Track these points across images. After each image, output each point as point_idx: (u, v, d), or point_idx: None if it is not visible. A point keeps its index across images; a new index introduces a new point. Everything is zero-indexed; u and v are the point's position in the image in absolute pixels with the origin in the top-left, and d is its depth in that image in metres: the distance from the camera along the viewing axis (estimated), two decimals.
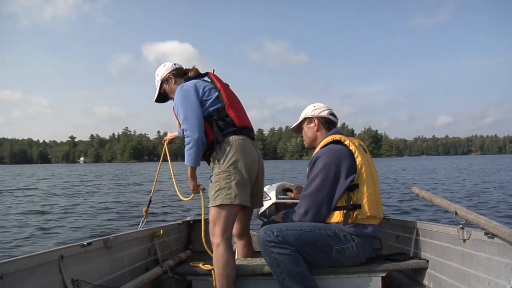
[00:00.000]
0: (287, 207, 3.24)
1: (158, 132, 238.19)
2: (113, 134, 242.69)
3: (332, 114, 2.86)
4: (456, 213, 2.50)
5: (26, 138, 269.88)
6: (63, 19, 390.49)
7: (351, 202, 2.55)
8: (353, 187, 2.55)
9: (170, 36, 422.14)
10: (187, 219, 4.00)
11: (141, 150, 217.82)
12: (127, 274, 2.71)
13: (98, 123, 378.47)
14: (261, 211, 3.41)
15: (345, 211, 2.55)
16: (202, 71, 3.02)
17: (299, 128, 2.97)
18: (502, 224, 2.21)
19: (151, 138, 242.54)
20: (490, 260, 2.25)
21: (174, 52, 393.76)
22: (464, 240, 2.47)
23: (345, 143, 2.63)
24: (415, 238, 2.99)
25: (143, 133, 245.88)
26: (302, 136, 2.96)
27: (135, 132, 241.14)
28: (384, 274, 2.73)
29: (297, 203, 3.25)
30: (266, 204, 3.39)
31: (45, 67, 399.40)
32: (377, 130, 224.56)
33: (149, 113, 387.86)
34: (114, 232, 3.42)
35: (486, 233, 2.27)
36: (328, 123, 2.84)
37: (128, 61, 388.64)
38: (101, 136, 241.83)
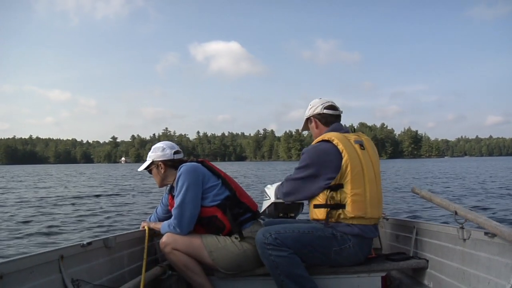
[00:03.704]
0: (286, 206, 3.26)
1: (198, 132, 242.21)
2: (154, 134, 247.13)
3: (328, 107, 2.81)
4: (456, 213, 2.47)
5: (70, 139, 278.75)
6: (114, 15, 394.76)
7: (334, 202, 2.53)
8: (336, 186, 2.53)
9: (217, 35, 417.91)
10: None
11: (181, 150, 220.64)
12: (127, 273, 2.73)
13: (144, 123, 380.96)
14: (261, 211, 3.39)
15: (327, 209, 2.55)
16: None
17: (306, 128, 2.98)
18: (502, 224, 2.19)
19: (190, 138, 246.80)
20: (490, 260, 2.23)
21: (222, 51, 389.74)
22: (464, 240, 2.44)
23: (333, 142, 2.59)
24: (415, 238, 2.96)
25: (183, 134, 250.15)
26: None
27: (174, 132, 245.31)
28: (384, 274, 2.73)
29: (297, 203, 3.27)
30: (266, 204, 3.42)
31: (94, 66, 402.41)
32: (417, 131, 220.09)
33: (194, 113, 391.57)
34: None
35: (486, 233, 2.25)
36: (325, 118, 2.81)
37: (176, 60, 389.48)
38: (142, 137, 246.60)
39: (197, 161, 2.87)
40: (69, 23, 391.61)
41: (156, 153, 2.90)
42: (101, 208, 12.33)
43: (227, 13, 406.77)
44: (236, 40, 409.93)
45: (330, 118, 2.81)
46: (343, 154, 2.54)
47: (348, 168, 2.52)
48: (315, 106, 2.85)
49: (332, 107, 2.83)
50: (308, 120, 2.91)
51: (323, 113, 2.81)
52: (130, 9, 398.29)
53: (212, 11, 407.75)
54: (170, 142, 2.98)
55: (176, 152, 2.91)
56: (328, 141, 2.62)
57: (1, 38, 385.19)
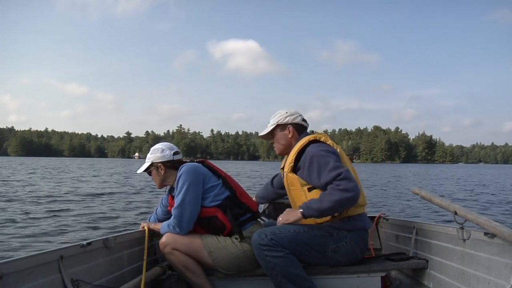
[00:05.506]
0: (285, 206, 3.27)
1: (212, 130, 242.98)
2: (168, 131, 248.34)
3: (304, 120, 2.86)
4: (456, 213, 2.47)
5: (85, 133, 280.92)
6: (134, 9, 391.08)
7: None
8: None
9: (236, 33, 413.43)
10: None
11: (194, 147, 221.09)
12: (127, 274, 2.73)
13: (159, 120, 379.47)
14: (261, 211, 3.39)
15: None
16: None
17: (270, 135, 2.88)
18: (502, 224, 2.19)
19: (204, 136, 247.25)
20: (490, 260, 2.24)
21: (240, 50, 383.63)
22: (464, 240, 2.45)
23: (322, 140, 2.64)
24: (414, 238, 2.97)
25: (197, 131, 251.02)
26: (272, 143, 2.89)
27: (188, 130, 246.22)
28: (383, 274, 2.73)
29: None
30: (265, 204, 3.42)
31: (112, 61, 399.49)
32: (431, 136, 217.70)
33: (210, 110, 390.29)
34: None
35: (486, 233, 2.26)
36: (301, 129, 2.83)
37: (194, 58, 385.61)
38: (156, 133, 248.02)
39: (198, 161, 2.87)
40: (88, 17, 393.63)
41: (155, 154, 2.89)
42: (101, 207, 12.10)
43: (247, 12, 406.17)
44: (255, 39, 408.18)
45: (303, 129, 2.85)
46: (335, 147, 2.62)
47: (343, 161, 2.58)
48: (293, 116, 2.82)
49: (306, 121, 2.89)
50: (280, 126, 2.83)
51: (301, 124, 2.84)
52: (150, 3, 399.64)
53: (231, 9, 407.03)
54: (169, 143, 2.97)
55: (175, 153, 2.90)
56: (317, 141, 2.65)
57: (21, 31, 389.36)
